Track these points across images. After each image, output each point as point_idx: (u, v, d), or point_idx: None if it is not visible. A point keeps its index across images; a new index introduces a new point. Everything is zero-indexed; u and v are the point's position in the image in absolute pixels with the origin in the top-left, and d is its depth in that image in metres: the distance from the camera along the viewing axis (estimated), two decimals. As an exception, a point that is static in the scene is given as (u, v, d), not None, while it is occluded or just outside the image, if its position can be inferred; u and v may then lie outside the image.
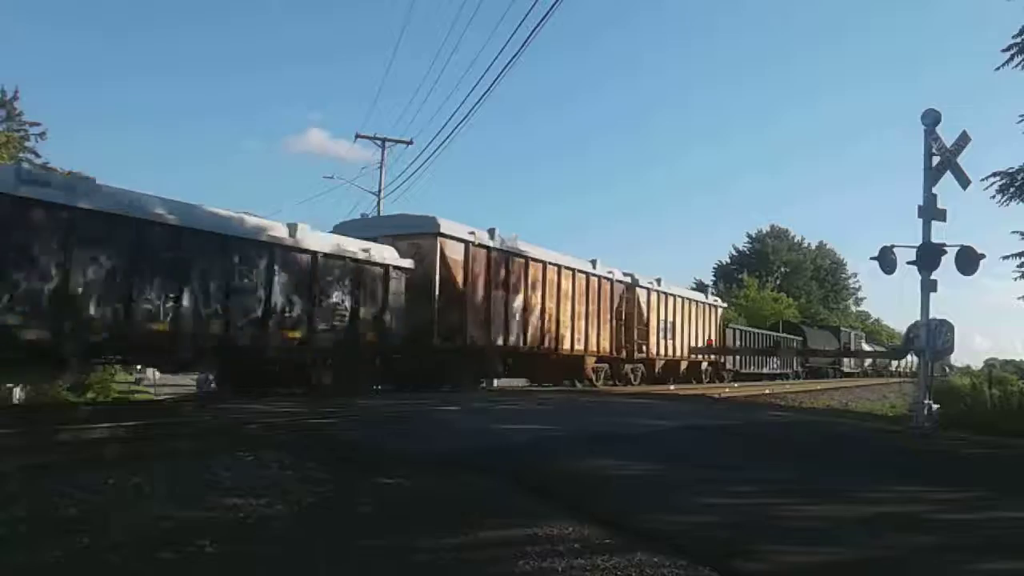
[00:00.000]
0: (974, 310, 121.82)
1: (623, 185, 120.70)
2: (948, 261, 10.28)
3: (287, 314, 12.48)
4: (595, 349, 21.11)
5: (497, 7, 72.02)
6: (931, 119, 10.53)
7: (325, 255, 13.15)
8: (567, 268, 19.90)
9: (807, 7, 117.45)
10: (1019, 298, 15.98)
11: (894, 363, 57.06)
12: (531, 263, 18.46)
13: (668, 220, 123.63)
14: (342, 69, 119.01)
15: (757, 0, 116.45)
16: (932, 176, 10.46)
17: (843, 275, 79.75)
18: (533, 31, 18.07)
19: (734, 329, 33.45)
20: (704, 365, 29.31)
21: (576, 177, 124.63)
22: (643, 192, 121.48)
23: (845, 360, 47.18)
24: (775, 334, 40.12)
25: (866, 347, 55.03)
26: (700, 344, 27.77)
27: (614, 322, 22.12)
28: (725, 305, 34.32)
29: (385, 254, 14.51)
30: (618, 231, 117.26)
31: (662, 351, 25.05)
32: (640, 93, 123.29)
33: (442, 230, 15.85)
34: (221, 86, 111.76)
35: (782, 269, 70.19)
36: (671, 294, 25.89)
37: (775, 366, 37.79)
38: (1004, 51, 14.68)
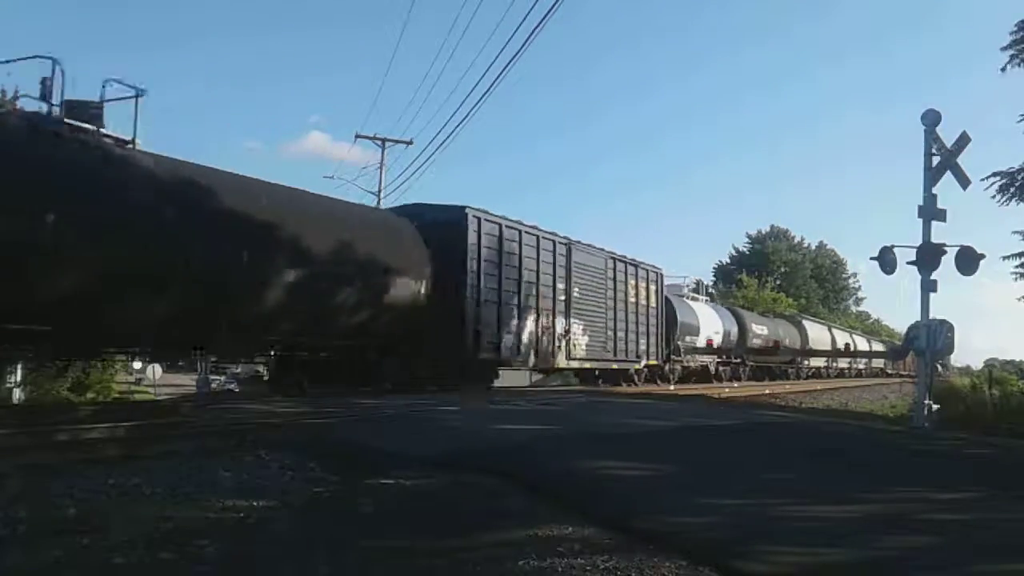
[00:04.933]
0: (974, 310, 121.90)
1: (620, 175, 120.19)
2: (948, 261, 10.31)
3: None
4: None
5: (498, 7, 72.00)
6: (931, 119, 10.56)
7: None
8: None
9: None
10: (1019, 299, 16.00)
11: (820, 361, 37.41)
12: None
13: (667, 221, 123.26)
14: (342, 70, 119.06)
15: None
16: (932, 176, 10.47)
17: (843, 275, 79.69)
18: (533, 31, 18.03)
19: None
20: None
21: (577, 157, 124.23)
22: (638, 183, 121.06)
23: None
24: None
25: (698, 320, 26.02)
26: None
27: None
28: None
29: None
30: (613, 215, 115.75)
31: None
32: (639, 82, 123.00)
33: None
34: (221, 85, 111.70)
35: (782, 269, 70.07)
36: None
37: None
38: (1004, 49, 14.72)
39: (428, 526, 3.94)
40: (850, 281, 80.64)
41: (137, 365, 21.38)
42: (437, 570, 3.28)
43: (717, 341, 27.29)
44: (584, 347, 18.45)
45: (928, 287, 10.29)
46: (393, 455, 5.95)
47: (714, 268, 70.70)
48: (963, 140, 10.50)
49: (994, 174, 14.83)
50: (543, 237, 17.04)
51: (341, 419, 8.52)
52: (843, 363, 40.60)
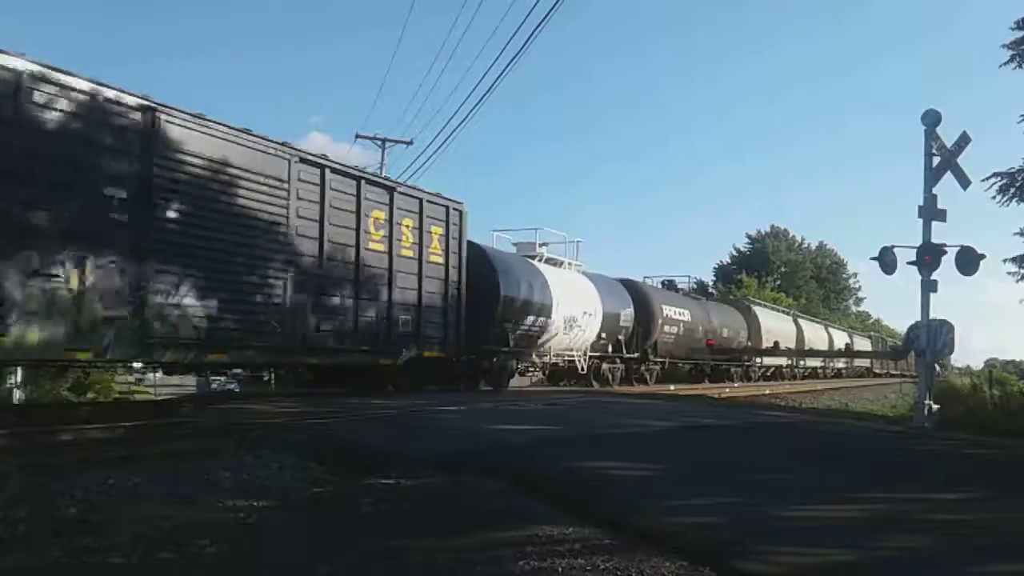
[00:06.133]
0: (975, 310, 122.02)
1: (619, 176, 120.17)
2: (948, 261, 10.31)
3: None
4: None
5: (498, 7, 72.11)
6: (931, 119, 10.56)
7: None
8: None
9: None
10: (1021, 301, 16.00)
11: (779, 359, 28.55)
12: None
13: (668, 225, 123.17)
14: (342, 72, 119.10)
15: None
16: (932, 176, 10.48)
17: (843, 275, 79.71)
18: (534, 31, 18.05)
19: None
20: None
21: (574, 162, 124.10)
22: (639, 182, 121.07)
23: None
24: None
25: (550, 295, 16.89)
26: None
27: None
28: None
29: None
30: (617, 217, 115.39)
31: None
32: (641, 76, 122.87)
33: None
34: (223, 87, 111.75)
35: (782, 269, 70.07)
36: None
37: None
38: (1005, 47, 14.73)
39: (428, 526, 3.94)
40: (850, 281, 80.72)
41: (138, 365, 21.02)
42: (437, 570, 3.27)
43: (592, 326, 18.65)
44: (203, 320, 9.51)
45: (928, 287, 10.29)
46: (393, 455, 5.95)
47: (714, 268, 70.73)
48: (963, 140, 10.50)
49: (994, 174, 14.84)
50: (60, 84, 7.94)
51: (341, 419, 8.53)
52: (815, 362, 32.34)
